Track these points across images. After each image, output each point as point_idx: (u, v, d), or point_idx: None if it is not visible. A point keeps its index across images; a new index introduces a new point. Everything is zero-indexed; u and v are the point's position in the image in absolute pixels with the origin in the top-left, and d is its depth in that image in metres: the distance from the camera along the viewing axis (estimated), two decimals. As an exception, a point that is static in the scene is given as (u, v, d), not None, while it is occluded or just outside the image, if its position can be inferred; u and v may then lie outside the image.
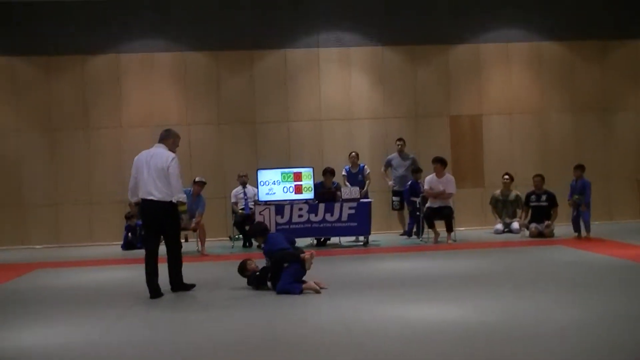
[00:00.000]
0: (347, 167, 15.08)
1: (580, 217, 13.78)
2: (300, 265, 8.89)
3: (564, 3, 16.99)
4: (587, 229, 13.70)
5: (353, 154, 15.09)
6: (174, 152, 9.33)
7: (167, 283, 9.32)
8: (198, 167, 15.79)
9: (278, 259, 9.00)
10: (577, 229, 13.88)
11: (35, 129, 16.15)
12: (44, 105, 16.15)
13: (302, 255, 8.95)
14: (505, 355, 5.68)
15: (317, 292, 8.62)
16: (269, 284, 9.09)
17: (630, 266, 10.13)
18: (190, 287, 9.37)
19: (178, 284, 9.34)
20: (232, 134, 16.41)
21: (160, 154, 9.13)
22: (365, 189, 14.69)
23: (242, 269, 9.41)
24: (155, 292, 8.97)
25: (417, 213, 14.67)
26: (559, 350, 5.74)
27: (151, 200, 9.02)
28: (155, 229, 9.20)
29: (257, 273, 9.24)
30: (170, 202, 9.02)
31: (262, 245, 9.64)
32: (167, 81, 16.40)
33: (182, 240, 14.32)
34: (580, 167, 14.07)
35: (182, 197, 9.09)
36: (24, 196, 16.08)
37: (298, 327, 7.04)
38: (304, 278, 8.99)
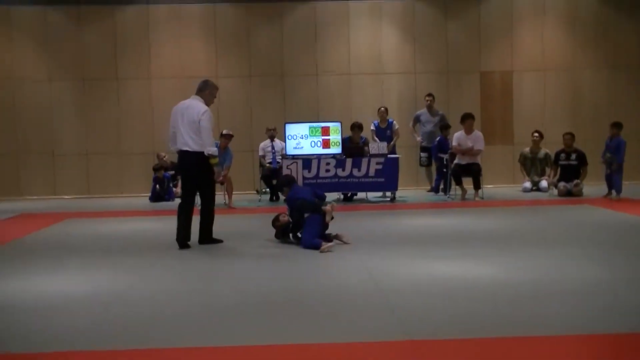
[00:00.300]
0: (375, 122, 14.98)
1: (612, 176, 13.51)
2: (320, 217, 8.91)
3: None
4: (618, 191, 13.36)
5: (382, 108, 14.97)
6: (211, 102, 9.34)
7: (196, 234, 9.39)
8: (226, 119, 15.80)
9: (299, 207, 9.05)
10: (609, 187, 13.60)
11: (66, 79, 16.23)
12: (75, 55, 16.21)
13: (323, 207, 8.96)
14: (530, 311, 5.68)
15: (329, 249, 8.55)
16: (290, 235, 9.15)
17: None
18: (218, 242, 9.41)
19: (207, 238, 9.38)
20: (261, 87, 16.37)
21: (194, 106, 9.13)
22: (392, 143, 14.60)
23: (275, 221, 9.42)
24: (183, 243, 9.07)
25: (444, 170, 14.63)
26: (582, 308, 5.73)
27: (186, 151, 9.09)
28: (191, 180, 9.27)
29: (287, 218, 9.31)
30: (202, 152, 9.03)
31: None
32: (196, 33, 16.35)
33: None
34: (616, 125, 13.61)
35: (214, 150, 9.08)
36: (55, 146, 16.23)
37: (323, 282, 7.08)
38: (330, 231, 9.04)
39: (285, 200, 9.61)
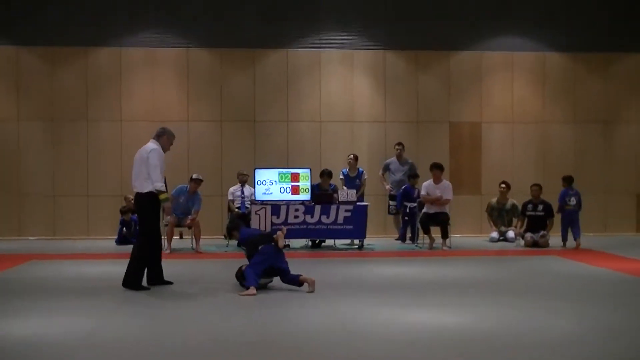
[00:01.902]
0: (344, 170, 15.05)
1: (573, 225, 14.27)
2: (274, 246, 9.03)
3: (568, 15, 17.00)
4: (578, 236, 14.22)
5: (351, 156, 15.05)
6: (167, 149, 9.62)
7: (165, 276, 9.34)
8: (196, 164, 15.83)
9: (252, 242, 9.18)
10: (566, 237, 14.32)
11: (36, 119, 16.15)
12: (46, 95, 16.16)
13: (274, 235, 9.12)
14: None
15: (251, 295, 8.58)
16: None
17: (624, 279, 10.12)
18: (138, 287, 9.18)
19: (125, 279, 9.22)
20: (232, 132, 16.41)
21: (146, 147, 9.44)
22: (359, 193, 14.62)
23: (238, 274, 9.36)
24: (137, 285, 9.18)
25: (406, 218, 14.77)
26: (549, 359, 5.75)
27: (137, 192, 9.39)
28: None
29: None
30: (146, 193, 9.19)
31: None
32: (168, 76, 16.40)
33: (177, 237, 14.49)
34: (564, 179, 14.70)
35: (160, 185, 9.18)
36: (22, 186, 16.09)
37: (292, 328, 7.03)
38: (297, 272, 9.15)
39: (238, 243, 9.72)
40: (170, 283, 9.55)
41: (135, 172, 9.34)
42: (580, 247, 13.93)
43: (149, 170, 9.16)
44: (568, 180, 14.70)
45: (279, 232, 9.17)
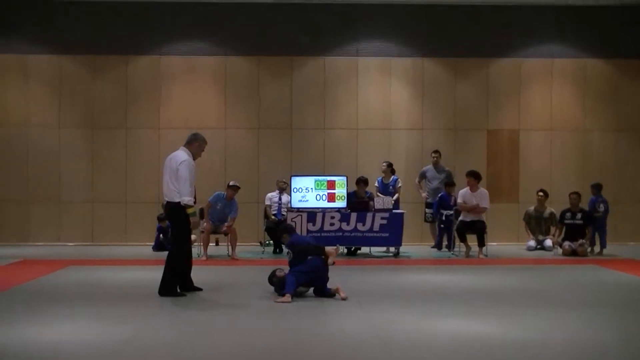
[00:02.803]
0: (379, 178, 15.01)
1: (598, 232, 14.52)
2: (323, 260, 8.95)
3: (609, 20, 16.78)
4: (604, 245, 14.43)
5: (384, 164, 14.99)
6: (198, 156, 9.57)
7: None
8: (233, 171, 15.92)
9: (302, 250, 9.10)
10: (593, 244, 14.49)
11: (76, 126, 16.36)
12: (87, 103, 16.37)
13: (327, 248, 9.03)
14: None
15: (286, 302, 8.57)
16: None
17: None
18: (174, 294, 9.23)
19: (161, 287, 9.26)
20: (269, 139, 16.47)
21: (177, 156, 9.36)
22: (393, 199, 14.52)
23: (272, 277, 9.43)
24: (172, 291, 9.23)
25: (442, 225, 14.70)
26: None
27: (167, 201, 9.36)
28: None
29: (289, 260, 9.32)
30: (177, 202, 9.16)
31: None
32: (206, 84, 16.52)
33: (212, 244, 14.58)
34: (593, 186, 14.87)
35: (188, 200, 9.15)
36: (62, 193, 16.30)
37: (327, 336, 7.04)
38: (330, 285, 9.07)
39: (286, 245, 9.64)
40: (199, 289, 9.59)
41: (166, 181, 9.29)
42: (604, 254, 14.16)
43: (178, 182, 9.13)
44: (597, 188, 14.72)
45: (332, 249, 9.09)
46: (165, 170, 9.37)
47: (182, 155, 9.34)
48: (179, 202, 9.15)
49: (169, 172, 9.27)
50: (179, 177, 9.13)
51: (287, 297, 8.65)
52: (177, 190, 9.15)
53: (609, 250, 14.36)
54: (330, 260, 9.03)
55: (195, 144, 9.54)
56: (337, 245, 9.40)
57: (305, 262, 9.00)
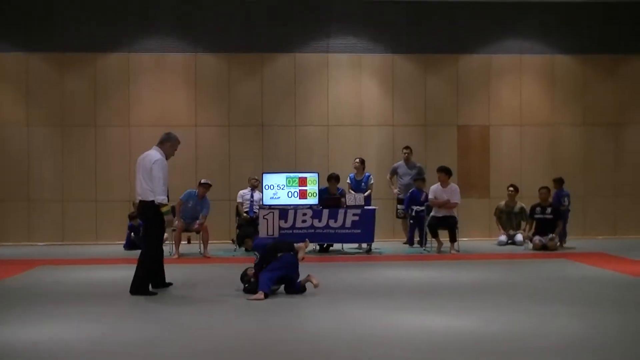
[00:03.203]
0: (351, 175, 15.03)
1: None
2: (293, 255, 8.96)
3: (578, 17, 16.94)
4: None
5: (357, 160, 15.03)
6: (171, 155, 9.58)
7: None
8: (204, 168, 15.86)
9: (271, 249, 9.06)
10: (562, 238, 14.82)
11: (45, 125, 16.20)
12: (55, 101, 16.21)
13: (296, 244, 9.03)
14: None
15: (259, 299, 8.57)
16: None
17: (633, 282, 10.08)
18: (145, 292, 9.19)
19: (132, 286, 9.25)
20: (240, 136, 16.43)
21: (150, 155, 9.40)
22: (365, 195, 14.55)
23: (243, 276, 9.41)
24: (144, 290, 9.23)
25: (411, 221, 14.79)
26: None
27: (140, 200, 9.42)
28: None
29: (255, 263, 9.27)
30: (150, 201, 9.21)
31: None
32: (176, 82, 16.43)
33: (184, 242, 14.54)
34: (555, 181, 15.18)
35: (161, 198, 9.19)
36: (31, 191, 16.14)
37: (300, 333, 7.05)
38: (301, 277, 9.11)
39: (252, 247, 9.58)
40: (170, 284, 9.65)
41: (139, 180, 9.33)
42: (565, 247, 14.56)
43: (152, 182, 9.16)
44: (560, 182, 15.05)
45: (301, 244, 9.09)
46: (138, 169, 9.38)
47: (154, 154, 9.36)
48: (153, 201, 9.17)
49: (142, 171, 9.29)
50: (152, 176, 9.16)
51: (260, 294, 8.65)
52: (150, 189, 9.17)
53: (579, 244, 14.51)
54: (300, 255, 9.05)
55: (167, 144, 9.55)
56: (306, 239, 9.39)
57: (277, 259, 8.99)
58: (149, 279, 9.34)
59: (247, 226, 12.53)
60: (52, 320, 7.64)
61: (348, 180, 14.94)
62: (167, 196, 9.54)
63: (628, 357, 6.01)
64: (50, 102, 16.22)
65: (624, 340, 6.57)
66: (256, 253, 9.36)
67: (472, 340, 6.53)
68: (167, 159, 9.48)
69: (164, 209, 9.21)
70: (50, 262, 12.67)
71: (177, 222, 13.17)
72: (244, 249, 14.16)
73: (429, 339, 6.60)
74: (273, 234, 13.04)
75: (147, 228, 9.53)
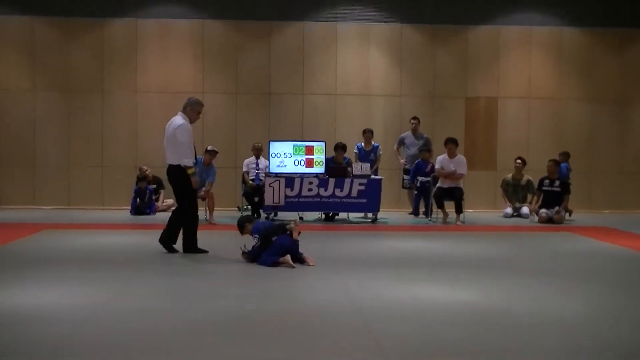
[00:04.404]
0: (359, 144, 14.99)
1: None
2: (287, 237, 8.94)
3: (588, -11, 16.81)
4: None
5: (367, 131, 14.97)
6: (194, 119, 9.84)
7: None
8: (211, 136, 15.81)
9: (266, 234, 9.01)
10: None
11: (51, 90, 16.16)
12: (61, 66, 16.15)
13: (287, 226, 9.02)
14: (509, 340, 5.65)
15: (292, 266, 8.57)
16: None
17: (638, 257, 10.05)
18: (202, 251, 9.67)
19: (186, 246, 9.69)
20: (247, 104, 16.38)
21: (174, 121, 9.71)
22: (374, 168, 14.57)
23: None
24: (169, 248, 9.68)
25: (415, 192, 14.83)
26: (562, 340, 5.68)
27: (168, 164, 9.73)
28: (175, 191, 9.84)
29: (255, 245, 9.19)
30: (178, 165, 9.52)
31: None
32: (184, 48, 16.35)
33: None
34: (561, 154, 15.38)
35: (186, 161, 9.49)
36: (37, 157, 16.14)
37: (301, 302, 7.03)
38: (310, 246, 9.07)
39: (252, 232, 9.46)
40: (176, 251, 9.77)
41: (165, 145, 9.68)
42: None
43: (176, 146, 9.48)
44: (567, 155, 15.23)
45: (292, 224, 9.03)
46: (165, 134, 9.71)
47: (178, 120, 9.65)
48: (179, 165, 9.49)
49: (167, 137, 9.63)
50: (176, 141, 9.48)
51: (287, 258, 8.67)
52: (175, 153, 9.51)
53: (584, 218, 14.52)
54: (294, 235, 8.95)
55: (188, 108, 9.77)
56: (296, 220, 9.29)
57: (272, 244, 8.93)
58: (193, 238, 9.69)
59: (241, 216, 12.26)
60: (54, 285, 7.64)
61: (355, 150, 14.89)
62: (195, 157, 9.82)
63: (630, 332, 5.98)
64: (56, 67, 16.16)
65: (621, 316, 6.53)
66: (256, 236, 9.23)
67: (472, 312, 6.50)
68: (191, 122, 9.74)
69: (190, 171, 9.52)
70: (55, 227, 12.69)
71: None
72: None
73: (429, 310, 6.57)
74: (279, 202, 13.04)
75: (177, 190, 9.75)
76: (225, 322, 6.14)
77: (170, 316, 6.32)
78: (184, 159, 9.47)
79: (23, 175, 16.09)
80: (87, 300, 6.91)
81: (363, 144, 14.92)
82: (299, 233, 9.08)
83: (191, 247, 9.68)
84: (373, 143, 14.93)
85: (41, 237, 11.42)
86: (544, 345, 5.52)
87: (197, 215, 9.95)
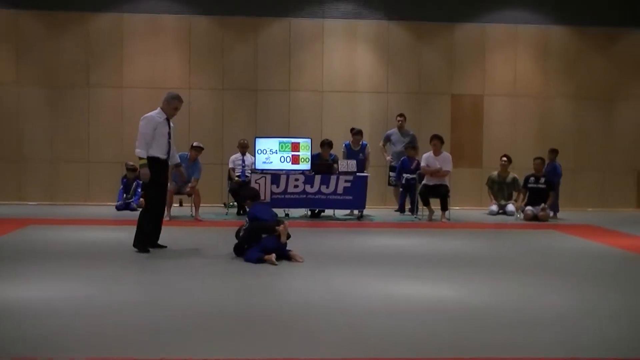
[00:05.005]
0: (347, 142, 14.95)
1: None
2: (275, 238, 8.89)
3: (574, -13, 16.89)
4: (556, 211, 14.86)
5: (356, 130, 14.86)
6: (171, 114, 9.71)
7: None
8: (197, 132, 15.81)
9: (257, 228, 8.99)
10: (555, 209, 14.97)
11: (36, 84, 16.09)
12: (46, 60, 16.08)
13: (277, 228, 8.94)
14: (492, 335, 5.69)
15: (273, 263, 8.56)
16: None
17: (622, 255, 10.11)
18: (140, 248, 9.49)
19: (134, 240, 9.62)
20: (233, 100, 16.36)
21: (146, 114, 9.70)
22: (366, 168, 14.53)
23: (238, 232, 9.32)
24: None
25: (400, 189, 14.90)
26: (543, 335, 5.73)
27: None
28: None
29: (243, 228, 9.21)
30: (148, 158, 9.44)
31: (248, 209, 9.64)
32: (170, 44, 16.32)
33: (177, 205, 14.53)
34: (553, 151, 15.16)
35: (137, 151, 9.42)
36: (22, 151, 16.07)
37: (285, 298, 7.04)
38: (296, 241, 9.06)
39: (247, 215, 9.51)
40: (163, 247, 9.72)
41: None
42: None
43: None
44: (554, 153, 15.20)
45: (281, 227, 8.95)
46: None
47: (149, 113, 9.62)
48: (149, 157, 9.43)
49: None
50: (138, 132, 9.46)
51: (272, 256, 8.65)
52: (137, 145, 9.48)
53: (569, 216, 14.62)
54: (282, 239, 8.89)
55: (164, 103, 9.70)
56: (285, 222, 9.21)
57: (259, 242, 8.89)
58: (145, 236, 9.49)
59: (252, 188, 12.14)
60: (40, 280, 7.62)
61: (343, 149, 14.84)
62: (169, 153, 9.66)
63: (609, 330, 6.03)
64: (41, 61, 16.09)
65: (605, 313, 6.56)
66: (247, 219, 9.28)
67: (457, 309, 6.53)
68: (169, 117, 9.67)
69: (140, 162, 9.46)
70: (40, 222, 12.65)
71: (170, 184, 13.16)
72: (236, 211, 14.34)
73: (414, 307, 6.60)
74: (265, 199, 13.01)
75: (144, 185, 9.79)
76: (209, 316, 6.16)
77: (153, 311, 6.32)
78: (136, 148, 9.41)
79: (8, 170, 16.02)
80: (75, 293, 6.92)
81: (351, 143, 14.84)
82: (289, 237, 9.03)
83: (142, 241, 9.51)
84: (362, 142, 14.85)
85: (27, 232, 11.39)
86: (529, 340, 5.55)
87: (159, 211, 9.82)
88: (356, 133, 14.72)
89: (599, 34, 16.94)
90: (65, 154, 16.12)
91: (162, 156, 9.55)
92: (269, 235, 8.93)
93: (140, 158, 9.40)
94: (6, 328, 5.66)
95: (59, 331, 5.61)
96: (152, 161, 9.44)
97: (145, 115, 9.56)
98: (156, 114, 9.58)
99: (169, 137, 9.62)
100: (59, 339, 5.42)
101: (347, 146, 14.83)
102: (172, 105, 9.68)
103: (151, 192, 9.63)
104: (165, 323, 5.91)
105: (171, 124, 9.75)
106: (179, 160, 10.17)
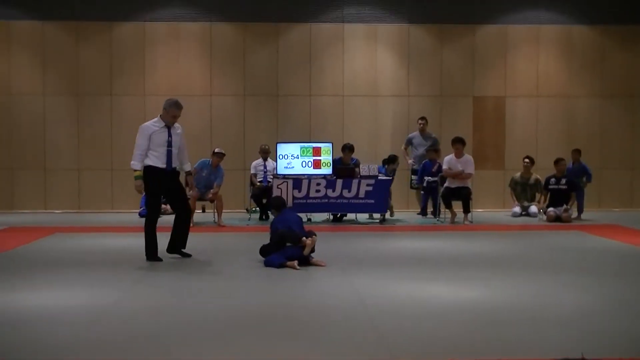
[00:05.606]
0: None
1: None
2: (299, 249, 8.84)
3: (595, -14, 16.79)
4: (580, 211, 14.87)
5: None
6: (169, 121, 9.43)
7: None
8: (219, 138, 15.91)
9: (282, 235, 8.96)
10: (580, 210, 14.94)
11: (61, 94, 16.28)
12: (71, 70, 16.27)
13: (303, 239, 8.86)
14: (517, 335, 5.69)
15: (295, 269, 8.57)
16: None
17: (645, 255, 10.07)
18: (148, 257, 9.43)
19: (172, 248, 9.66)
20: (255, 106, 16.44)
21: None
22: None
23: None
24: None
25: (422, 192, 14.90)
26: (568, 334, 5.71)
27: None
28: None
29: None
30: (145, 167, 9.41)
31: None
32: (192, 51, 16.43)
33: (199, 211, 14.64)
34: (577, 151, 15.15)
35: (132, 163, 9.45)
36: (47, 160, 16.25)
37: (310, 301, 7.09)
38: (318, 246, 9.12)
39: (272, 221, 9.45)
40: (188, 255, 9.63)
41: None
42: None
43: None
44: (578, 153, 15.20)
45: (308, 240, 8.83)
46: None
47: (145, 122, 9.60)
48: (146, 167, 9.39)
49: None
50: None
51: (294, 262, 8.67)
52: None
53: (594, 216, 14.52)
54: (305, 252, 8.86)
55: (163, 111, 9.50)
56: (314, 236, 9.10)
57: (283, 250, 8.87)
58: (152, 245, 9.41)
59: (277, 197, 12.05)
60: (63, 287, 7.73)
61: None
62: (169, 162, 9.40)
63: (633, 328, 6.00)
64: (66, 70, 16.27)
65: (629, 312, 6.54)
66: (272, 229, 9.23)
67: (479, 310, 6.54)
68: (169, 125, 9.42)
69: (134, 174, 9.44)
70: (65, 230, 12.79)
71: (191, 191, 13.21)
72: (258, 217, 14.40)
73: (436, 307, 6.62)
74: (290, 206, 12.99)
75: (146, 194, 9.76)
76: (234, 319, 6.22)
77: (175, 317, 6.38)
78: (131, 160, 9.42)
79: (34, 179, 16.21)
80: (96, 301, 7.00)
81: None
82: (312, 251, 8.96)
83: (149, 250, 9.44)
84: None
85: (52, 240, 11.52)
86: (553, 337, 5.57)
87: (186, 219, 9.80)
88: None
89: (623, 31, 16.81)
90: (90, 162, 16.28)
91: (161, 165, 9.35)
92: (293, 245, 8.93)
93: (133, 170, 9.40)
94: (31, 334, 5.75)
95: (82, 338, 5.68)
96: (150, 171, 9.33)
97: (141, 125, 9.48)
98: (152, 122, 9.43)
99: (169, 146, 9.36)
100: (82, 345, 5.50)
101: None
102: (170, 112, 9.40)
103: (149, 202, 9.64)
104: (187, 327, 5.96)
105: (178, 131, 9.52)
106: (189, 168, 9.92)
